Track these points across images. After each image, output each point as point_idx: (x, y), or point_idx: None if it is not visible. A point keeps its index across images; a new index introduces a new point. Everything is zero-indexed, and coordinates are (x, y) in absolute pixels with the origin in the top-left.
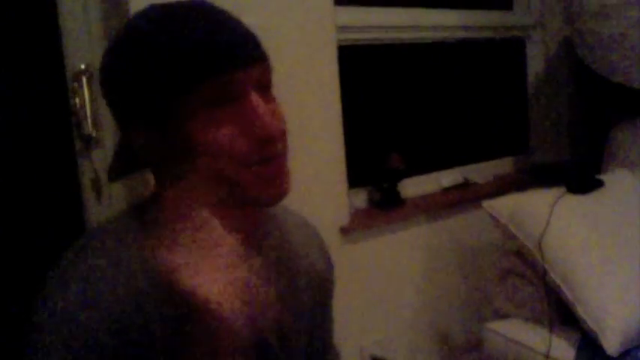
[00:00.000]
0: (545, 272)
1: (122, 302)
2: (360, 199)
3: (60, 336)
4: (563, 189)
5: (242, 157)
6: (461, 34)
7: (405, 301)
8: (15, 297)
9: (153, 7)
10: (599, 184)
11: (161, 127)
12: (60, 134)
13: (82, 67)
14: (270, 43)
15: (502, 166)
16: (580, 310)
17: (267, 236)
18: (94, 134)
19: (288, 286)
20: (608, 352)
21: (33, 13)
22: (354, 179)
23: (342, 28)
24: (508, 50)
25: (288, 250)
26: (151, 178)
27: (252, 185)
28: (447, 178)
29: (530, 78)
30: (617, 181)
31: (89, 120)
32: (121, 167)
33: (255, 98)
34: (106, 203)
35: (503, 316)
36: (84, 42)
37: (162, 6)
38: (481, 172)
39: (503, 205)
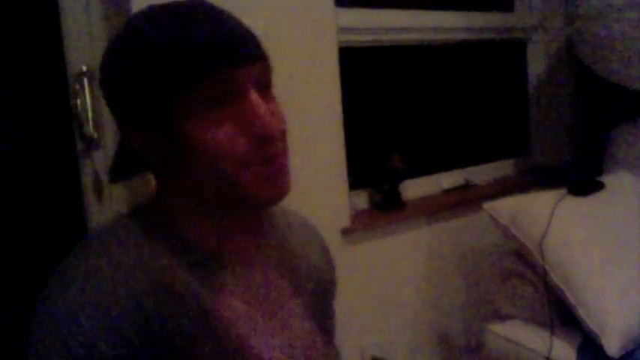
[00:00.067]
0: (545, 274)
1: (122, 303)
2: (361, 200)
3: (59, 337)
4: (563, 191)
5: (242, 157)
6: (462, 36)
7: (405, 302)
8: (16, 298)
9: (152, 7)
10: (600, 186)
11: (160, 127)
12: (61, 135)
13: (84, 68)
14: (271, 45)
15: (503, 167)
16: (581, 312)
17: (268, 236)
18: (95, 135)
19: (290, 288)
20: (609, 353)
21: (34, 14)
22: (355, 181)
23: (343, 30)
24: (509, 52)
25: (288, 250)
26: (151, 180)
27: (252, 185)
28: (448, 179)
29: (531, 79)
30: (617, 182)
31: (90, 121)
32: (122, 168)
33: (254, 97)
34: (107, 204)
35: (504, 318)
36: (85, 43)
37: (162, 6)
38: (482, 173)
39: (504, 207)
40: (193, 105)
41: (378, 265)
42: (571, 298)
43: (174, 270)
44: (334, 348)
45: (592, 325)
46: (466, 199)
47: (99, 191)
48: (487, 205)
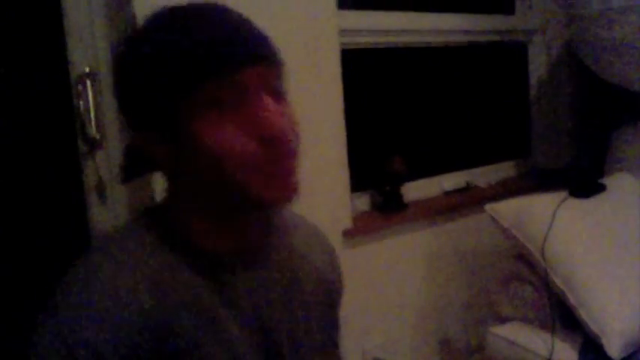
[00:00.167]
0: (547, 276)
1: (124, 306)
2: (363, 202)
3: (61, 339)
4: (565, 193)
5: (250, 158)
6: (463, 38)
7: (407, 304)
8: (18, 299)
9: (164, 9)
10: (602, 188)
11: (169, 129)
12: (64, 136)
13: (86, 70)
14: None
15: (504, 169)
16: (583, 314)
17: (275, 240)
18: (97, 137)
19: (295, 291)
20: (611, 355)
21: (37, 15)
22: (357, 183)
23: (345, 32)
24: (510, 54)
25: (295, 254)
26: (154, 182)
27: (260, 186)
28: (450, 181)
29: (533, 82)
30: (619, 185)
31: (93, 122)
32: (132, 169)
33: (264, 99)
34: (109, 205)
35: (506, 320)
36: (88, 44)
37: (174, 7)
38: (483, 175)
39: (506, 209)
40: (202, 106)
41: (380, 267)
42: (572, 300)
43: (181, 272)
44: (338, 356)
45: (593, 326)
46: (467, 201)
47: (101, 192)
48: (489, 207)
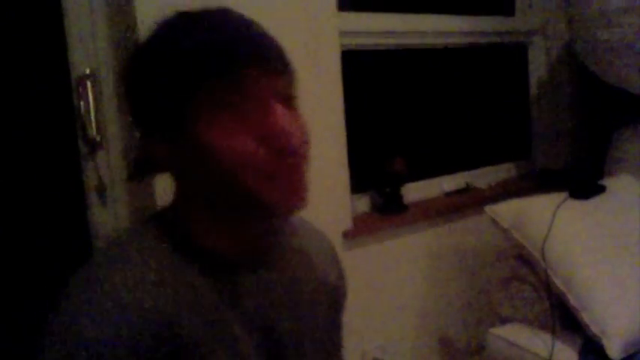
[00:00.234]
0: (547, 277)
1: (129, 314)
2: (363, 203)
3: (66, 345)
4: (565, 194)
5: (260, 167)
6: (463, 40)
7: (407, 305)
8: (19, 300)
9: (178, 14)
10: (601, 189)
11: (180, 133)
12: (64, 138)
13: (87, 71)
14: None
15: (504, 171)
16: (583, 315)
17: (280, 243)
18: (98, 138)
19: (299, 294)
20: (611, 356)
21: (38, 17)
22: (357, 184)
23: (346, 33)
24: (510, 55)
25: (299, 257)
26: (155, 183)
27: (269, 194)
28: (450, 182)
29: (533, 83)
30: (619, 186)
31: (93, 124)
32: (140, 170)
33: (276, 108)
34: (110, 206)
35: (506, 321)
36: (89, 46)
37: (187, 13)
38: (483, 177)
39: (506, 210)
40: (212, 111)
41: (380, 268)
42: (573, 301)
43: (186, 273)
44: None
45: (594, 327)
46: (468, 203)
47: (101, 193)
48: (489, 209)
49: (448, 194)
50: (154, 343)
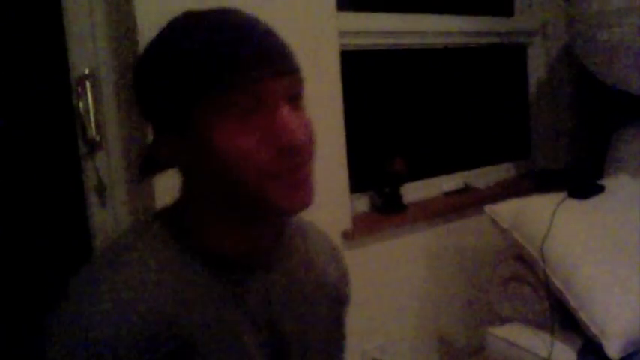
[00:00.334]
0: (546, 276)
1: (141, 308)
2: (362, 203)
3: (79, 339)
4: (564, 194)
5: (267, 167)
6: (462, 40)
7: (407, 306)
8: (18, 300)
9: (186, 14)
10: (600, 189)
11: (187, 134)
12: (64, 138)
13: (86, 71)
14: None
15: (503, 171)
16: (582, 314)
17: (286, 245)
18: (97, 138)
19: (304, 296)
20: (610, 355)
21: (38, 17)
22: (356, 184)
23: (345, 34)
24: (509, 56)
25: (305, 260)
26: (155, 183)
27: (275, 194)
28: (449, 183)
29: (532, 83)
30: (617, 186)
31: (93, 124)
32: (149, 168)
33: (283, 109)
34: (109, 207)
35: (505, 321)
36: (88, 46)
37: (196, 13)
38: (482, 177)
39: (505, 210)
40: (222, 113)
41: (379, 268)
42: (571, 301)
43: (192, 272)
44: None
45: (593, 327)
46: (467, 203)
47: (101, 193)
48: (488, 209)
49: (447, 194)
50: (155, 343)
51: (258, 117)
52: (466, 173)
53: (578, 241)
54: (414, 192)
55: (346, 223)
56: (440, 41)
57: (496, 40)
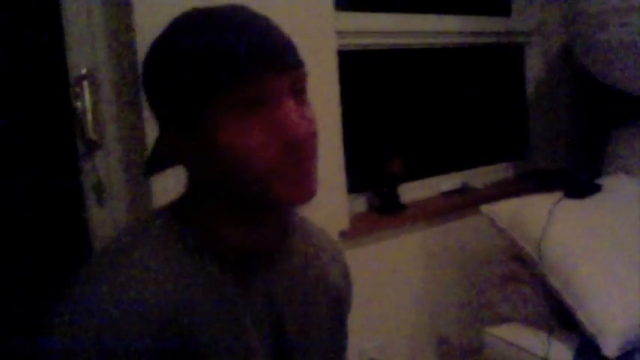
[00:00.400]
0: (544, 276)
1: (149, 298)
2: (360, 203)
3: (90, 328)
4: (561, 193)
5: (272, 160)
6: (459, 40)
7: (405, 305)
8: (16, 301)
9: (192, 11)
10: (597, 188)
11: (193, 130)
12: (62, 138)
13: (84, 71)
14: None
15: (501, 170)
16: (579, 314)
17: (291, 245)
18: (95, 138)
19: (307, 295)
20: (607, 354)
21: (36, 17)
22: (354, 184)
23: (342, 34)
24: (507, 55)
25: (308, 260)
26: (154, 184)
27: (280, 187)
28: (446, 182)
29: (529, 83)
30: (615, 185)
31: (91, 124)
32: (158, 163)
33: (287, 104)
34: (108, 207)
35: (503, 320)
36: (86, 46)
37: (201, 10)
38: (480, 177)
39: (502, 210)
40: (227, 109)
41: (377, 268)
42: (569, 300)
43: (199, 269)
44: None
45: (590, 326)
46: (464, 203)
47: (100, 193)
48: (485, 208)
49: (445, 194)
50: (158, 340)
51: (263, 112)
52: (464, 173)
53: (576, 241)
54: (411, 192)
55: (344, 223)
56: (437, 41)
57: (493, 39)
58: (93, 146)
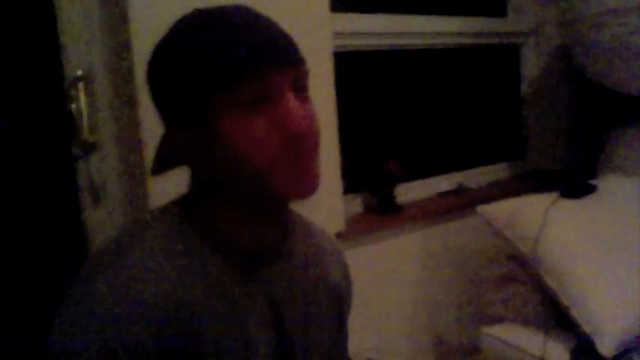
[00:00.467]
0: (540, 276)
1: (145, 298)
2: (356, 204)
3: (93, 324)
4: (556, 194)
5: (274, 154)
6: (456, 41)
7: (401, 306)
8: (13, 303)
9: (196, 11)
10: (592, 188)
11: (198, 125)
12: (58, 140)
13: (79, 73)
14: None
15: (497, 171)
16: (575, 313)
17: (293, 244)
18: (91, 140)
19: (309, 294)
20: (603, 354)
21: (31, 19)
22: (351, 185)
23: (338, 35)
24: (503, 56)
25: (310, 260)
26: (150, 185)
27: (282, 181)
28: (443, 183)
29: (525, 84)
30: (609, 185)
31: (86, 126)
32: (163, 163)
33: (289, 98)
34: (104, 209)
35: (499, 320)
36: (82, 48)
37: (205, 10)
38: (476, 177)
39: (498, 210)
40: (229, 107)
41: (374, 268)
42: (565, 300)
43: (203, 265)
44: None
45: (586, 326)
46: (461, 203)
47: (96, 196)
48: (481, 209)
49: (441, 195)
50: (158, 339)
51: (265, 108)
52: (460, 173)
53: (571, 241)
54: (408, 192)
55: (340, 224)
56: (433, 42)
57: (490, 40)
58: (89, 148)
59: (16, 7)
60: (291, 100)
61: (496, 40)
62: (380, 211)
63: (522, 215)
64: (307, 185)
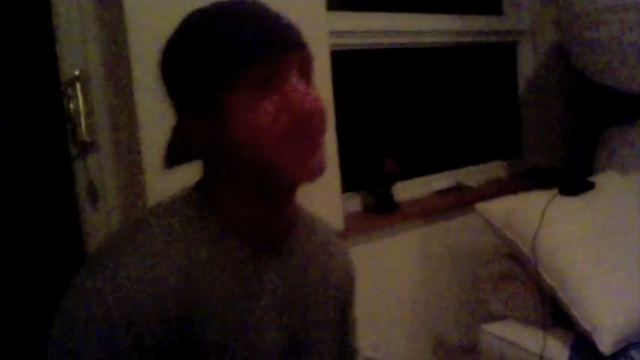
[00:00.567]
0: (538, 274)
1: (158, 282)
2: (354, 203)
3: (102, 310)
4: (554, 191)
5: (281, 133)
6: (452, 39)
7: (400, 304)
8: (10, 303)
9: (205, 7)
10: (590, 186)
11: (208, 113)
12: (55, 140)
13: (76, 73)
14: None
15: (495, 169)
16: (574, 311)
17: (299, 240)
18: (88, 140)
19: (308, 293)
20: (602, 351)
21: (27, 19)
22: (349, 183)
23: (335, 33)
24: (499, 54)
25: (314, 255)
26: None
27: (289, 162)
28: (440, 181)
29: (522, 82)
30: (607, 182)
31: (84, 126)
32: (175, 154)
33: (294, 79)
34: (101, 209)
35: (498, 318)
36: (78, 48)
37: (214, 4)
38: (474, 175)
39: (497, 208)
40: (239, 88)
41: (372, 267)
42: (564, 297)
43: (214, 254)
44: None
45: (585, 323)
46: (459, 201)
47: (93, 195)
48: (480, 207)
49: (439, 193)
50: (165, 330)
51: (273, 90)
52: (458, 172)
53: (570, 238)
54: (405, 191)
55: (338, 223)
56: (430, 40)
57: (486, 38)
58: (86, 148)
59: (12, 7)
60: (296, 79)
61: (493, 39)
62: (378, 209)
63: (520, 213)
64: (313, 167)
